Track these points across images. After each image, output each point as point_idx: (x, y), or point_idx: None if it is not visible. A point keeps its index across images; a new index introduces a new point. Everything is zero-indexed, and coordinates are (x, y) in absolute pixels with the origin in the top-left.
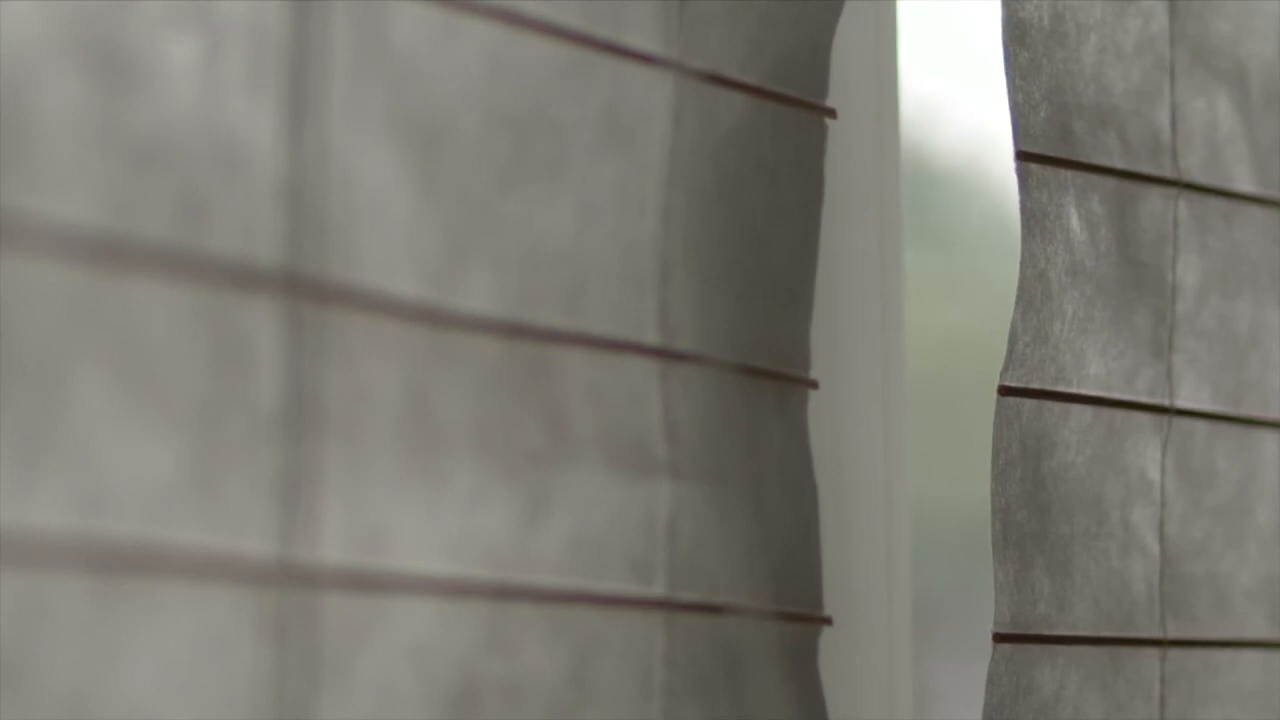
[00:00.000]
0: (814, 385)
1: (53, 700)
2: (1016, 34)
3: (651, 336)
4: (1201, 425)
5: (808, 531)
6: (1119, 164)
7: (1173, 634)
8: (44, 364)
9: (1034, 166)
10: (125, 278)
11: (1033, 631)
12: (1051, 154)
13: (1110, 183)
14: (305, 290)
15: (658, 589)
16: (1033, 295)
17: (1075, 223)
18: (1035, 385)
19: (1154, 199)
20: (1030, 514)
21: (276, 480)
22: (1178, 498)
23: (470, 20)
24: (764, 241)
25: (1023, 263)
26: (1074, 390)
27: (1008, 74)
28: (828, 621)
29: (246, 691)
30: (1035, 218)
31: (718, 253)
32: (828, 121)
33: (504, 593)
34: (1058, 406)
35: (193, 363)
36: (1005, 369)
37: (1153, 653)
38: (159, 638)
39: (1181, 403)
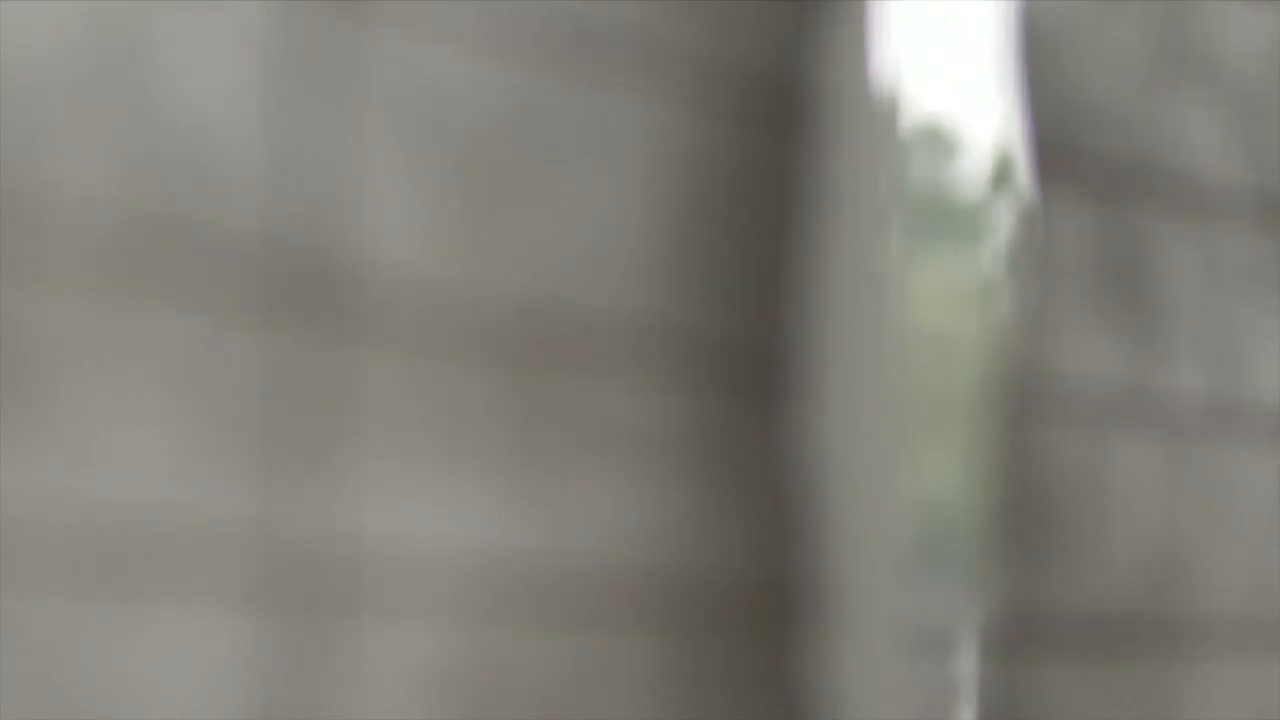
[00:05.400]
0: (814, 385)
1: (52, 698)
2: (1016, 38)
3: (651, 336)
4: (1197, 424)
5: (807, 531)
6: (1116, 167)
7: (1170, 633)
8: (42, 362)
9: (1033, 168)
10: (125, 274)
11: (1031, 630)
12: (1050, 156)
13: (1107, 185)
14: (307, 289)
15: (658, 588)
16: (1032, 295)
17: (1074, 224)
18: (1034, 385)
19: (1150, 201)
20: (1029, 513)
21: (277, 481)
22: (1175, 497)
23: (469, 28)
24: (763, 242)
25: (1022, 263)
26: (1072, 390)
27: (1007, 77)
28: (827, 621)
29: (246, 691)
30: (1034, 219)
31: (716, 254)
32: (826, 122)
33: (506, 592)
34: (1056, 406)
35: (194, 362)
36: (1004, 369)
37: (1151, 651)
38: (159, 637)
39: (1177, 402)
